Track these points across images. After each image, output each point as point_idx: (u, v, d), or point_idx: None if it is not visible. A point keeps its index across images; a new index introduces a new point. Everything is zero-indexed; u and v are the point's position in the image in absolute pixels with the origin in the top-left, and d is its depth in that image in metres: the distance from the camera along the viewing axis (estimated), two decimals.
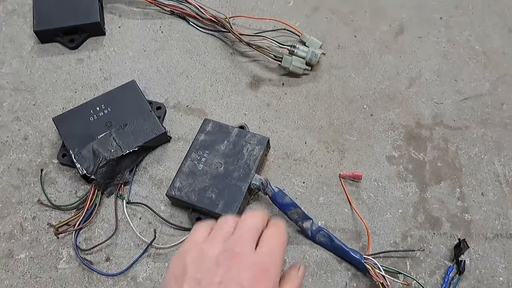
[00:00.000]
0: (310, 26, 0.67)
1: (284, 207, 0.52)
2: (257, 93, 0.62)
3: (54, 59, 0.63)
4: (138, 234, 0.52)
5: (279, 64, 0.62)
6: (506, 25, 0.67)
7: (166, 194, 0.53)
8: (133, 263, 0.51)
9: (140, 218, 0.54)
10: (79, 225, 0.52)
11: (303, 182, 0.56)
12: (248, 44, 0.62)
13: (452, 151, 0.58)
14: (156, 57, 0.64)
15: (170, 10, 0.67)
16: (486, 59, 0.65)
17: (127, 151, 0.54)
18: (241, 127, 0.57)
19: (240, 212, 0.52)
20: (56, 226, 0.52)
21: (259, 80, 0.63)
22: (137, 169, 0.56)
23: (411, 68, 0.64)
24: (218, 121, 0.56)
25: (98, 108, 0.56)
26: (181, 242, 0.52)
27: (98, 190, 0.53)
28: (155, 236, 0.52)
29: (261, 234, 0.38)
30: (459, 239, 0.52)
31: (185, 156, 0.54)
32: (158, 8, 0.67)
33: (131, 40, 0.65)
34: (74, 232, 0.52)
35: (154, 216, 0.54)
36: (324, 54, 0.63)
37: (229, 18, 0.64)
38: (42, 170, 0.55)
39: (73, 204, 0.53)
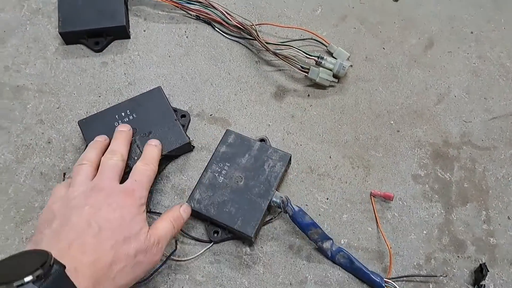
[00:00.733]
0: (337, 36, 0.66)
1: (304, 226, 0.51)
2: (282, 104, 0.61)
3: (78, 62, 0.63)
4: None
5: (305, 75, 0.61)
6: None
7: None
8: (153, 273, 0.50)
9: None
10: None
11: (327, 198, 0.56)
12: (274, 53, 0.61)
13: (479, 172, 0.57)
14: (180, 63, 0.63)
15: (196, 15, 0.66)
16: None
17: None
18: (262, 139, 0.57)
19: (258, 230, 0.51)
20: None
21: (284, 90, 0.62)
22: (159, 178, 0.56)
23: (439, 84, 0.63)
24: (240, 133, 0.56)
25: (123, 114, 0.55)
26: (201, 253, 0.52)
27: None
28: (176, 247, 0.51)
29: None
30: (480, 264, 0.51)
31: (205, 168, 0.54)
32: (184, 12, 0.66)
33: (156, 44, 0.65)
34: None
35: None
36: (352, 66, 0.62)
37: (256, 25, 0.63)
38: (64, 174, 0.55)
39: None
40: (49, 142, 0.58)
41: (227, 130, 0.56)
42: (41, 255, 0.35)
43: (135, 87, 0.61)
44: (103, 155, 0.50)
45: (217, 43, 0.65)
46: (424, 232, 0.54)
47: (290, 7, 0.68)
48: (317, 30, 0.65)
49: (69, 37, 0.63)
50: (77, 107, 0.60)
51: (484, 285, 0.51)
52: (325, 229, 0.52)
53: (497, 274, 0.52)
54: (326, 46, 0.64)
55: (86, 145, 0.54)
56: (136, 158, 0.53)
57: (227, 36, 0.65)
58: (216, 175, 0.53)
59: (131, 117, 0.56)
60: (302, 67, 0.61)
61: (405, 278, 0.51)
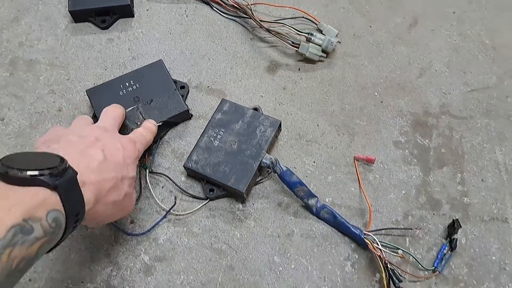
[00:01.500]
0: (327, 15, 0.71)
1: (291, 185, 0.56)
2: (274, 77, 0.66)
3: (86, 38, 0.68)
4: (159, 202, 0.57)
5: (296, 50, 0.66)
6: None
7: (183, 166, 0.57)
8: (155, 225, 0.56)
9: (162, 187, 0.59)
10: None
11: (314, 162, 0.60)
12: (268, 30, 0.66)
13: (456, 139, 0.62)
14: (180, 40, 0.68)
15: None
16: (495, 54, 0.68)
17: None
18: (255, 109, 0.61)
19: (249, 187, 0.56)
20: None
21: (276, 64, 0.67)
22: (160, 142, 0.61)
23: (422, 59, 0.67)
24: (234, 102, 0.61)
25: (127, 84, 0.60)
26: (197, 209, 0.57)
27: None
28: (175, 202, 0.56)
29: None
30: (453, 219, 0.56)
31: (202, 133, 0.59)
32: None
33: (158, 22, 0.70)
34: None
35: (174, 185, 0.58)
36: (340, 42, 0.66)
37: (251, 5, 0.68)
38: None
39: None
40: (60, 110, 0.63)
41: (222, 99, 0.61)
42: (57, 157, 0.37)
43: (138, 61, 0.66)
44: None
45: (214, 22, 0.70)
46: (403, 192, 0.59)
47: None
48: (308, 10, 0.70)
49: (78, 16, 0.68)
50: (85, 79, 0.65)
51: (456, 239, 0.55)
52: (311, 189, 0.56)
53: (469, 229, 0.57)
54: (316, 24, 0.68)
55: (94, 113, 0.60)
56: (138, 123, 0.58)
57: (224, 15, 0.70)
58: (212, 139, 0.58)
59: (134, 87, 0.61)
60: (293, 42, 0.65)
61: (383, 231, 0.56)
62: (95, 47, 0.67)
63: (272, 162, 0.56)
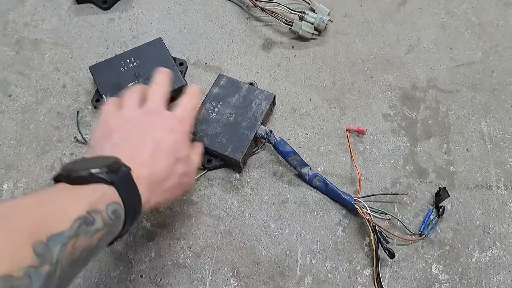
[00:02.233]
0: None
1: (285, 154, 0.59)
2: (269, 54, 0.69)
3: (88, 18, 0.71)
4: None
5: (289, 28, 0.68)
6: None
7: None
8: None
9: None
10: None
11: (307, 134, 0.63)
12: (263, 10, 0.68)
13: (442, 112, 0.65)
14: (179, 19, 0.71)
15: None
16: (481, 30, 0.70)
17: None
18: (251, 83, 0.64)
19: (245, 156, 0.59)
20: None
21: (271, 42, 0.70)
22: None
23: (410, 36, 0.70)
24: (231, 77, 0.63)
25: (128, 61, 0.63)
26: (196, 178, 0.60)
27: None
28: None
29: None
30: (439, 187, 0.59)
31: (200, 106, 0.61)
32: None
33: (157, 3, 0.72)
34: None
35: None
36: (331, 21, 0.69)
37: None
38: (78, 112, 0.63)
39: None
40: (64, 87, 0.66)
41: (219, 74, 0.64)
42: (111, 157, 0.40)
43: (139, 40, 0.69)
44: None
45: (211, 2, 0.73)
46: (391, 161, 0.62)
47: None
48: None
49: None
50: (87, 57, 0.68)
51: (444, 206, 0.58)
52: (304, 159, 0.59)
53: (454, 196, 0.60)
54: (309, 4, 0.71)
55: (97, 88, 0.63)
56: None
57: None
58: (210, 112, 0.61)
59: (135, 64, 0.63)
60: (286, 21, 0.68)
61: (372, 197, 0.59)
62: (97, 26, 0.70)
63: (267, 133, 0.59)
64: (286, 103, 0.65)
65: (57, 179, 0.38)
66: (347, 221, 0.58)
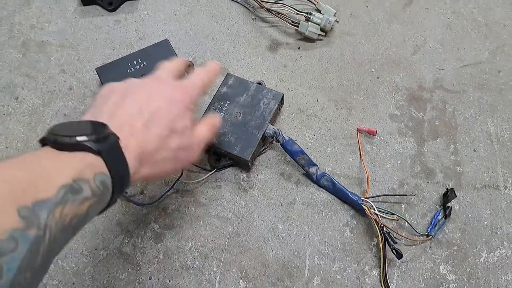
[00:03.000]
0: None
1: (293, 153, 0.59)
2: (275, 55, 0.69)
3: (94, 20, 0.71)
4: None
5: (296, 29, 0.68)
6: None
7: None
8: (163, 196, 0.59)
9: None
10: None
11: (314, 135, 0.63)
12: (269, 11, 0.68)
13: (449, 112, 0.65)
14: (185, 21, 0.71)
15: None
16: (488, 30, 0.70)
17: None
18: (259, 83, 0.64)
19: (254, 156, 0.59)
20: None
21: (277, 43, 0.70)
22: None
23: (416, 37, 0.70)
24: (239, 76, 0.63)
25: (135, 62, 0.63)
26: (204, 179, 0.60)
27: None
28: (182, 173, 0.59)
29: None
30: (447, 188, 0.59)
31: (208, 105, 0.61)
32: None
33: (163, 4, 0.72)
34: None
35: None
36: (338, 21, 0.69)
37: None
38: None
39: None
40: (71, 89, 0.66)
41: (227, 73, 0.63)
42: (100, 124, 0.39)
43: (145, 41, 0.69)
44: None
45: (217, 3, 0.73)
46: (399, 162, 0.62)
47: None
48: None
49: None
50: (94, 59, 0.68)
51: (451, 207, 0.58)
52: (312, 160, 0.59)
53: (462, 197, 0.60)
54: (315, 5, 0.71)
55: None
56: None
57: None
58: (218, 111, 0.61)
59: (142, 65, 0.64)
60: (293, 22, 0.68)
61: (379, 197, 0.59)
62: (103, 28, 0.70)
63: (275, 132, 0.59)
64: (293, 104, 0.66)
65: (43, 142, 0.37)
66: (355, 222, 0.58)
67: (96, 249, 0.57)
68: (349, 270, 0.55)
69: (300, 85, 0.67)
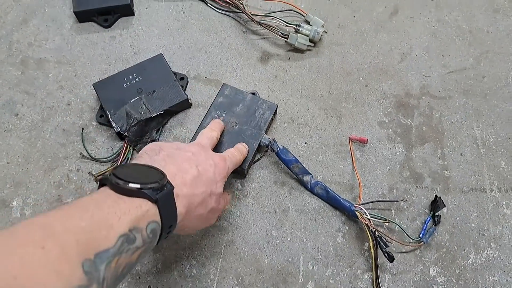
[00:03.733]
0: (314, 7, 0.75)
1: (287, 162, 0.61)
2: (267, 67, 0.71)
3: (90, 37, 0.73)
4: None
5: (285, 41, 0.71)
6: (492, 6, 0.75)
7: None
8: None
9: None
10: None
11: (305, 143, 0.65)
12: (259, 23, 0.71)
13: (436, 118, 0.67)
14: (178, 35, 0.73)
15: None
16: (471, 37, 0.73)
17: (155, 114, 0.63)
18: (253, 93, 0.66)
19: (250, 164, 0.61)
20: (96, 175, 0.62)
21: (268, 55, 0.72)
22: (162, 130, 0.66)
23: (403, 45, 0.72)
24: (234, 87, 0.65)
25: (130, 77, 0.65)
26: None
27: (130, 146, 0.63)
28: None
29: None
30: (436, 195, 0.61)
31: (205, 114, 0.63)
32: None
33: (157, 20, 0.75)
34: None
35: None
36: (326, 32, 0.71)
37: (242, 0, 0.72)
38: (83, 129, 0.65)
39: (110, 157, 0.63)
40: (69, 104, 0.68)
41: (223, 84, 0.65)
42: (160, 173, 0.41)
43: (140, 56, 0.71)
44: None
45: (209, 17, 0.75)
46: (388, 167, 0.64)
47: None
48: (296, 3, 0.75)
49: (82, 16, 0.73)
50: (91, 74, 0.70)
51: (440, 215, 0.60)
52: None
53: (450, 200, 0.62)
54: (304, 16, 0.73)
55: (101, 104, 0.65)
56: (141, 112, 0.63)
57: (218, 10, 0.75)
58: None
59: (137, 80, 0.66)
60: (282, 34, 0.70)
61: (371, 203, 0.61)
62: (99, 44, 0.72)
63: (270, 142, 0.61)
64: (284, 114, 0.68)
65: (103, 183, 0.39)
66: (347, 228, 0.60)
67: None
68: (342, 275, 0.57)
69: (291, 94, 0.69)
